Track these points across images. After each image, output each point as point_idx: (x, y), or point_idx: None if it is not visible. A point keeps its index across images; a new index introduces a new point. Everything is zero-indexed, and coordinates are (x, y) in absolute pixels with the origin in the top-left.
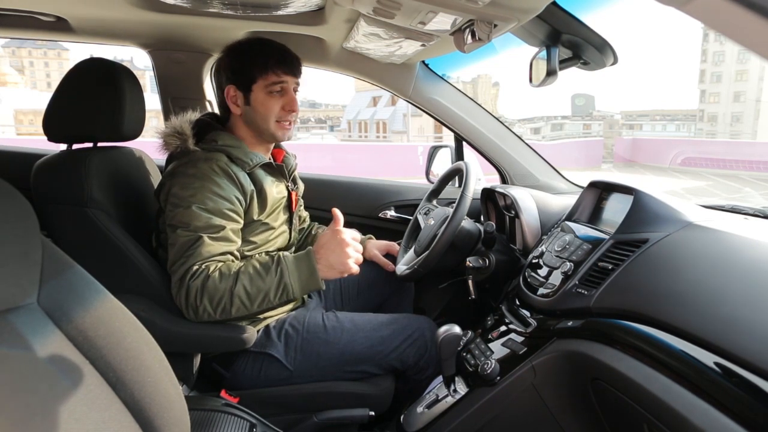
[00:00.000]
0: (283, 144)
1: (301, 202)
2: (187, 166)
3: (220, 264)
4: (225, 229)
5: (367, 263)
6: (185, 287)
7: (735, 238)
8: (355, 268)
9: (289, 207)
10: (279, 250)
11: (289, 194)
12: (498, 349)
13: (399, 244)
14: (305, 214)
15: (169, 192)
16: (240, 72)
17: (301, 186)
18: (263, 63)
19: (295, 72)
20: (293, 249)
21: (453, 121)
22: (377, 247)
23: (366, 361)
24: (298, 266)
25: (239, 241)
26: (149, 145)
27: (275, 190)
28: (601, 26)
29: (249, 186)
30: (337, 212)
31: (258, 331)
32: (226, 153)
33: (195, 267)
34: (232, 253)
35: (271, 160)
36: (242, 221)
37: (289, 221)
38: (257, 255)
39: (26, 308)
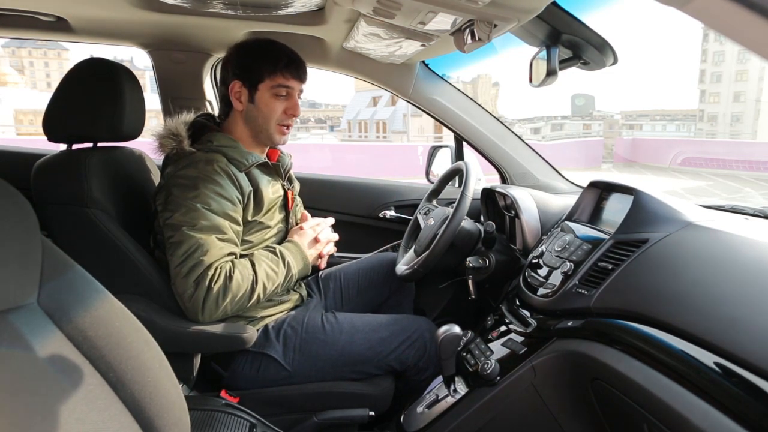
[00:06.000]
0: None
1: (298, 200)
2: (188, 169)
3: (233, 264)
4: (229, 229)
5: (368, 264)
6: (204, 290)
7: (735, 238)
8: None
9: (285, 206)
10: None
11: (285, 193)
12: (498, 349)
13: (399, 244)
14: (304, 213)
15: (170, 194)
16: (248, 69)
17: (297, 185)
18: (273, 64)
19: (302, 77)
20: None
21: (453, 121)
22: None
23: (365, 362)
24: (296, 258)
25: (239, 244)
26: (149, 145)
27: (271, 189)
28: (601, 26)
29: (247, 187)
30: (306, 213)
31: (257, 331)
32: (222, 153)
33: (213, 270)
34: (236, 255)
35: (267, 160)
36: (242, 223)
37: (286, 220)
38: (255, 251)
39: (26, 308)
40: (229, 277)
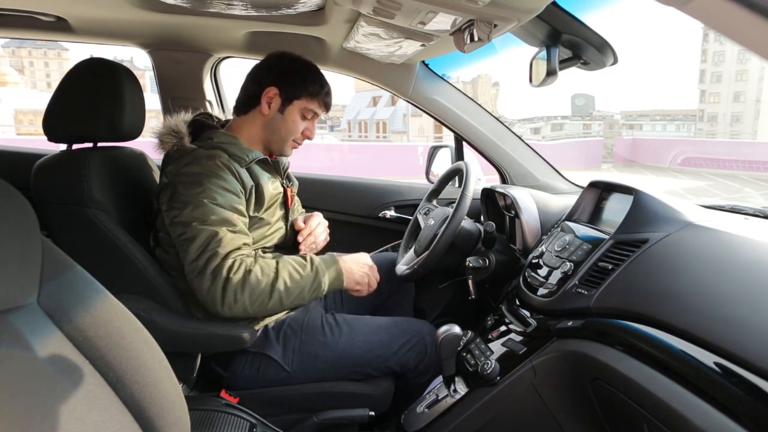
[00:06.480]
0: None
1: (297, 200)
2: (191, 165)
3: (255, 259)
4: (239, 221)
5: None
6: (222, 280)
7: (735, 238)
8: (364, 293)
9: (284, 203)
10: (276, 246)
11: (285, 191)
12: (498, 349)
13: (399, 244)
14: (302, 211)
15: (175, 191)
16: (291, 83)
17: (296, 183)
18: (317, 90)
19: (329, 110)
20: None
21: (453, 121)
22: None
23: (365, 365)
24: (328, 266)
25: (251, 235)
26: (149, 144)
27: (271, 186)
28: (601, 26)
29: (249, 181)
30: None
31: (257, 332)
32: (223, 150)
33: (231, 260)
34: (249, 245)
35: (266, 156)
36: (247, 216)
37: (285, 218)
38: (258, 252)
39: (26, 308)
40: (249, 271)
